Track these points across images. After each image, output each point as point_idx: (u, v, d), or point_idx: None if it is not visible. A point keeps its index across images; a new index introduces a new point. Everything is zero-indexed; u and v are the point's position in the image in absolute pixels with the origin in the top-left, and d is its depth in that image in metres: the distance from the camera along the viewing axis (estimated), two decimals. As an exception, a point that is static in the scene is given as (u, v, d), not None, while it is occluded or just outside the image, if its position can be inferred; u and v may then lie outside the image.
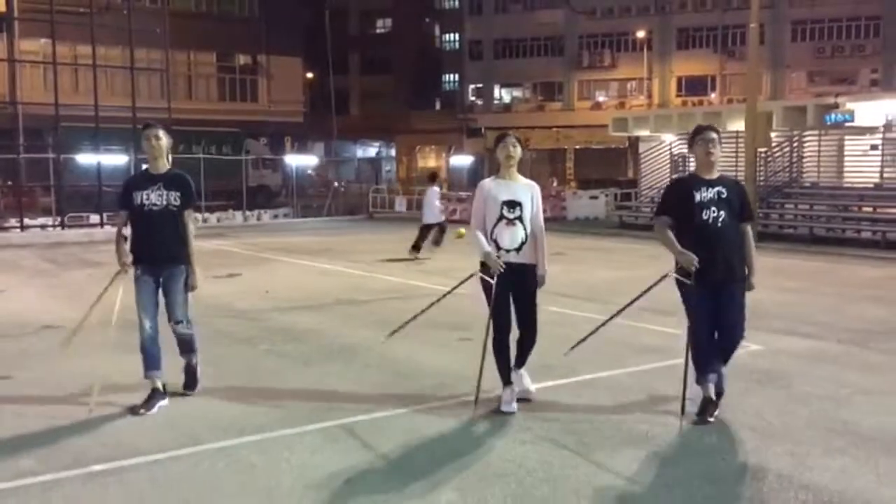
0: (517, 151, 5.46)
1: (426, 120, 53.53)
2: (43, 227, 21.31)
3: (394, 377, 6.35)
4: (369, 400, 5.76)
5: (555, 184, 35.00)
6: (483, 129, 49.40)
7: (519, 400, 5.46)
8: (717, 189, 5.18)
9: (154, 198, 5.46)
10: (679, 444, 4.90)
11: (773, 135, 22.88)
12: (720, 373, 5.31)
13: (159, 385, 5.53)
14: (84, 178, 24.24)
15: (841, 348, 7.43)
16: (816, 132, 21.91)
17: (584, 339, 5.93)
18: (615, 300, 9.68)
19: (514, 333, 5.54)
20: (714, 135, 5.28)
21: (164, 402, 5.50)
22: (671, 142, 25.39)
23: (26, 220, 22.32)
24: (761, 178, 20.85)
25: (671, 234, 5.23)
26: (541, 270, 5.48)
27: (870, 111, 21.75)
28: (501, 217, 5.37)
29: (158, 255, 5.47)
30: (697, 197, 5.15)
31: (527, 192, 5.47)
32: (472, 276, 5.64)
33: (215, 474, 4.41)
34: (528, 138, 44.66)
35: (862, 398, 5.77)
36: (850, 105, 22.27)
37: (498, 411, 5.35)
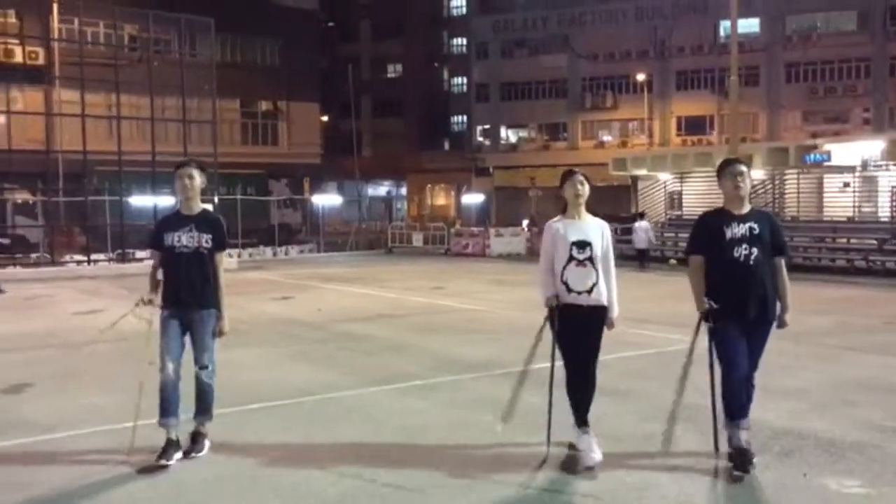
0: (585, 189, 5.26)
1: (436, 160, 55.79)
2: (92, 261, 23.52)
3: (439, 361, 8.61)
4: (424, 373, 8.05)
5: (560, 220, 37.18)
6: (491, 168, 51.69)
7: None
8: (748, 225, 4.99)
9: (185, 240, 5.32)
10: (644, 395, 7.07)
11: (760, 173, 25.25)
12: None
13: (174, 436, 5.30)
14: (129, 217, 26.55)
15: (777, 344, 9.43)
16: (795, 171, 24.22)
17: (673, 422, 5.30)
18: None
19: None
20: (742, 168, 5.09)
21: (179, 455, 5.26)
22: (665, 180, 27.77)
23: (77, 256, 24.73)
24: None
25: (700, 279, 5.08)
26: (612, 313, 5.29)
27: (845, 152, 24.08)
28: (571, 258, 5.15)
29: (188, 298, 5.32)
30: (728, 234, 4.97)
31: (597, 231, 5.26)
32: (548, 319, 5.22)
33: (331, 411, 6.68)
34: (534, 177, 47.03)
35: (778, 370, 7.93)
36: (827, 146, 24.61)
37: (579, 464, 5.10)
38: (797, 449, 5.46)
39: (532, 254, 27.67)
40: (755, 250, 4.93)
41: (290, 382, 7.65)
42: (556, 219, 5.37)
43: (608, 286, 5.23)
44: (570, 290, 5.15)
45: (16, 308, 10.67)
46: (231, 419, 6.24)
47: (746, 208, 5.10)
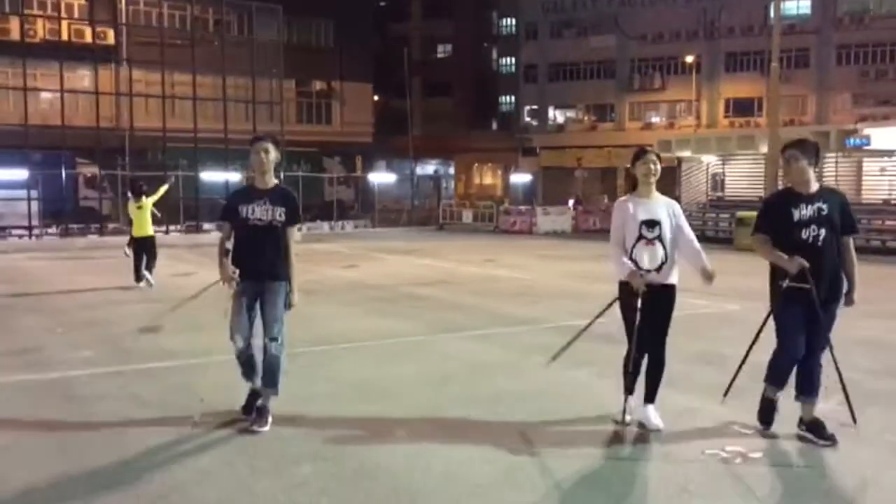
0: (657, 169, 5.38)
1: (484, 140, 56.81)
2: (169, 231, 25.28)
3: (494, 317, 10.07)
4: (482, 325, 9.53)
5: (605, 200, 38.19)
6: (538, 149, 52.61)
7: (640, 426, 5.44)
8: (816, 206, 5.02)
9: (259, 212, 5.41)
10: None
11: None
12: (816, 384, 5.31)
13: (261, 402, 5.52)
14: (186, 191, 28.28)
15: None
16: (833, 154, 24.97)
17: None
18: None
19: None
20: (803, 158, 5.05)
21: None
22: (708, 162, 28.67)
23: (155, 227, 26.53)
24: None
25: (772, 248, 5.13)
26: (706, 265, 5.38)
27: (886, 136, 24.74)
28: (640, 237, 5.33)
29: (261, 270, 5.42)
30: (796, 215, 5.02)
31: (665, 210, 5.42)
32: (615, 301, 5.57)
33: (410, 349, 8.18)
34: (580, 157, 47.89)
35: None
36: (867, 131, 25.30)
37: (617, 422, 5.55)
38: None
39: (577, 231, 28.91)
40: (823, 231, 5.00)
41: (371, 329, 9.17)
42: (624, 197, 5.54)
43: (693, 248, 5.42)
44: (639, 267, 5.33)
45: (123, 271, 12.46)
46: (326, 355, 7.78)
47: (815, 188, 5.13)
